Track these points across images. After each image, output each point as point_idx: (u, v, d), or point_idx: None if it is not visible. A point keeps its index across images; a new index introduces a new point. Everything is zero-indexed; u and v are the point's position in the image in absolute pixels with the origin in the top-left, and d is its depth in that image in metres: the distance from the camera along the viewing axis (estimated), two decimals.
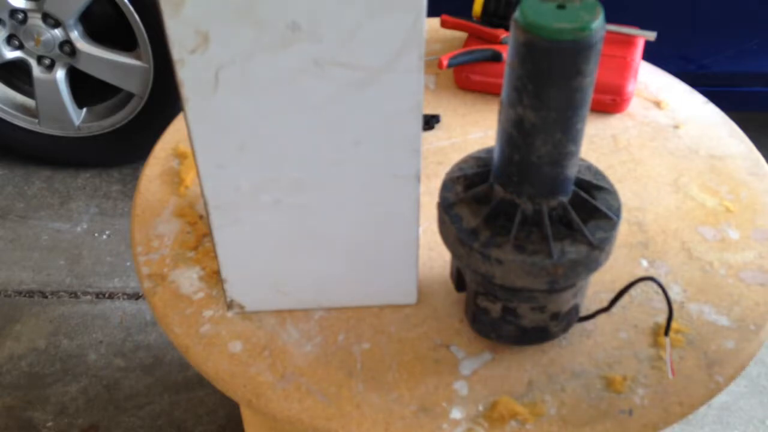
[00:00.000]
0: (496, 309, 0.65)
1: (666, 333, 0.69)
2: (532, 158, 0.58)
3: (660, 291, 0.71)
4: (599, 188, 0.64)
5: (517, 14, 0.54)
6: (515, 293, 0.63)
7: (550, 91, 0.54)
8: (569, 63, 0.53)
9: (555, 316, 0.66)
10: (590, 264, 0.61)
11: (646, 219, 0.83)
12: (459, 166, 0.67)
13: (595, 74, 0.55)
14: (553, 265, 0.59)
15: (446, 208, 0.64)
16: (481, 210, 0.63)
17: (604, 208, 0.62)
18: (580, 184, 0.64)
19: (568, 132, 0.57)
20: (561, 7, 0.53)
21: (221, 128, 0.59)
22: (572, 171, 0.60)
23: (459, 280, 0.70)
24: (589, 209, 0.62)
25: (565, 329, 0.68)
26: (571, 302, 0.65)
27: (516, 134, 0.58)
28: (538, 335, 0.67)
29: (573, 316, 0.68)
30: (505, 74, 0.57)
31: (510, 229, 0.61)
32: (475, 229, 0.62)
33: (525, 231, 0.61)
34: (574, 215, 0.61)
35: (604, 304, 0.72)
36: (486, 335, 0.69)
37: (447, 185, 0.66)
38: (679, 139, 0.94)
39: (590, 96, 0.56)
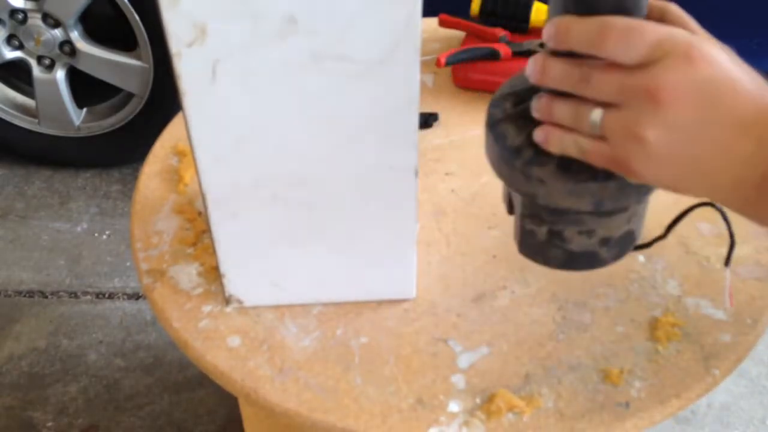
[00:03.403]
0: (542, 232, 0.60)
1: (727, 263, 0.73)
2: None
3: (722, 220, 0.72)
4: None
5: None
6: (560, 215, 0.58)
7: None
8: None
9: (605, 242, 0.60)
10: (640, 186, 0.55)
11: None
12: (510, 82, 0.60)
13: None
14: (598, 186, 0.54)
15: (492, 125, 0.58)
16: (528, 127, 0.56)
17: None
18: None
19: None
20: None
21: (219, 121, 0.59)
22: None
23: (510, 202, 0.65)
24: None
25: (617, 256, 0.63)
26: (624, 228, 0.60)
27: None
28: (587, 261, 0.62)
29: (627, 244, 0.62)
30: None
31: None
32: (519, 147, 0.56)
33: None
34: None
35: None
36: (533, 258, 0.64)
37: (496, 102, 0.59)
38: None
39: None
